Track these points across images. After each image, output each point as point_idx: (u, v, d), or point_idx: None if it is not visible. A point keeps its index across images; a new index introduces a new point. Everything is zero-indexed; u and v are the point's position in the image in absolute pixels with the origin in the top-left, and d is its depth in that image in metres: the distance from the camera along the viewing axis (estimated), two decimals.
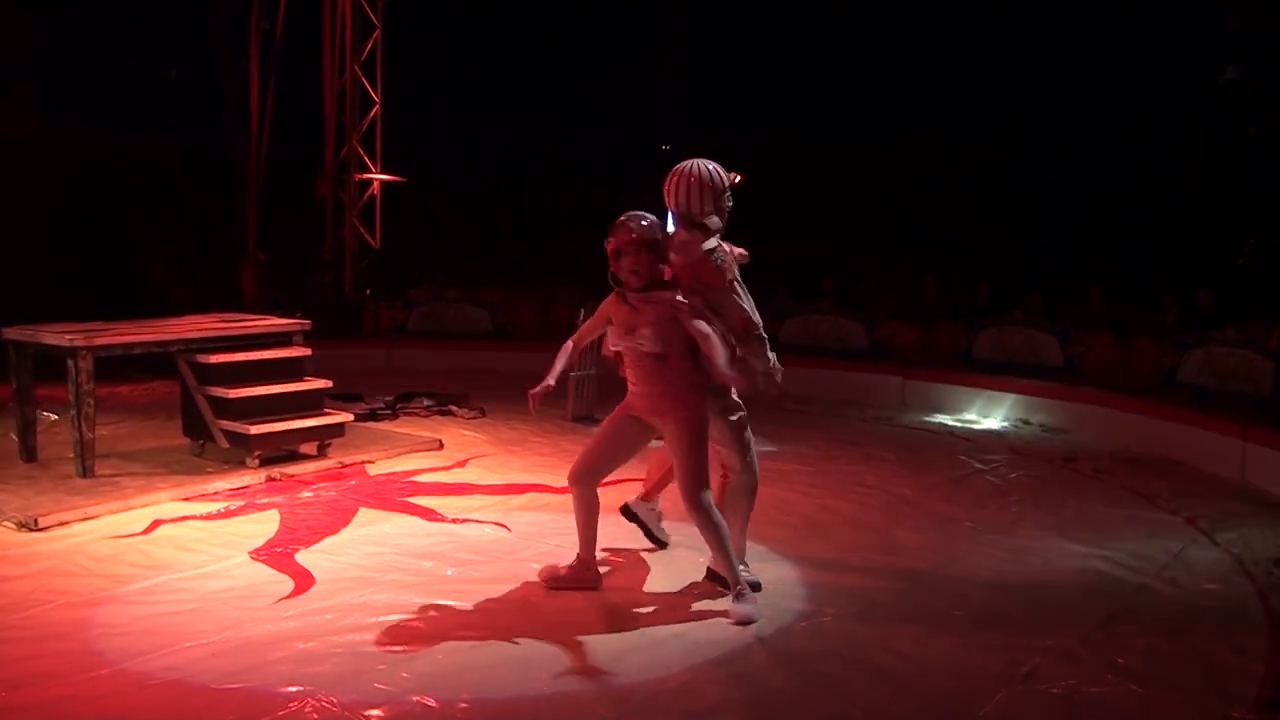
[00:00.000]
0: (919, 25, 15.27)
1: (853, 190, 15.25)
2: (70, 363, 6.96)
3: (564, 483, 7.16)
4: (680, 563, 5.66)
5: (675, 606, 5.11)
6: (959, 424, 9.95)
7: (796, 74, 16.08)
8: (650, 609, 5.09)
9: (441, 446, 8.39)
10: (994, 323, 11.00)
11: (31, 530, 6.07)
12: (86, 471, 7.03)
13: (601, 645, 4.64)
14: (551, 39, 17.07)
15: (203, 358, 7.41)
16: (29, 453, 7.48)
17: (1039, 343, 10.57)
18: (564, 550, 5.81)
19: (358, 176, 14.02)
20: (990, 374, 10.53)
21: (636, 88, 17.60)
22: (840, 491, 7.32)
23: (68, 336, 6.99)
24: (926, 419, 10.14)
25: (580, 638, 4.69)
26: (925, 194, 15.04)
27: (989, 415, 10.12)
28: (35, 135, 13.82)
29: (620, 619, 4.95)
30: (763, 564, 5.62)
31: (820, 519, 6.65)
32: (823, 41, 15.98)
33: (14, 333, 7.33)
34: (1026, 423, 9.85)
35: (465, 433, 9.02)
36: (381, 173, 14.12)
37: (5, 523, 6.18)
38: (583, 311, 9.74)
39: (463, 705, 4.05)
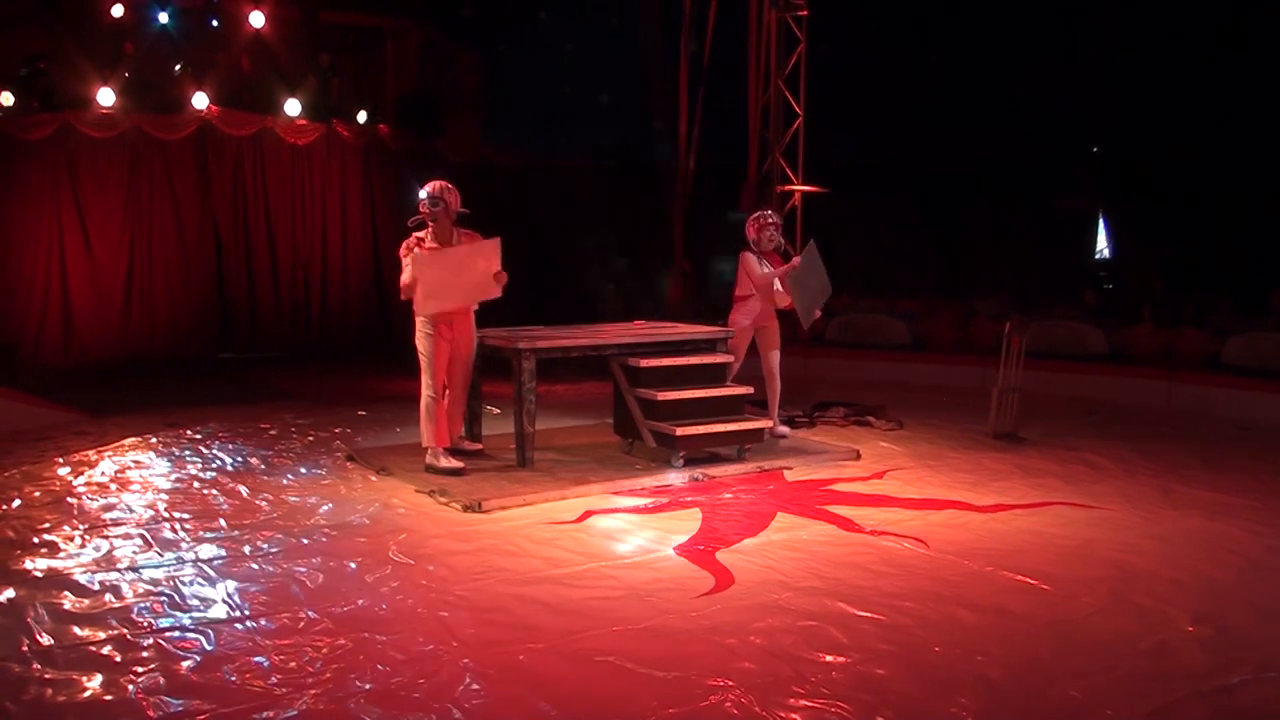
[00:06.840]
0: None
1: None
2: (515, 363, 7.51)
3: (987, 502, 6.98)
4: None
5: (1120, 634, 4.74)
6: None
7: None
8: (1071, 629, 4.76)
9: (859, 457, 8.30)
10: None
11: (475, 512, 6.59)
12: (526, 462, 7.55)
13: (1030, 671, 4.37)
14: (967, 48, 16.58)
15: (634, 361, 7.76)
16: (474, 441, 8.10)
17: None
18: (989, 573, 5.57)
19: (780, 188, 14.19)
20: None
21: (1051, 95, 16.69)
22: None
23: (514, 340, 7.54)
24: None
25: (987, 658, 4.46)
26: None
27: None
28: (481, 160, 15.09)
29: (1037, 642, 4.66)
30: (1203, 604, 5.11)
31: (1268, 562, 5.88)
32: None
33: None
34: None
35: (882, 444, 8.87)
36: (803, 184, 14.21)
37: (452, 504, 6.76)
38: (1008, 325, 9.34)
39: None
